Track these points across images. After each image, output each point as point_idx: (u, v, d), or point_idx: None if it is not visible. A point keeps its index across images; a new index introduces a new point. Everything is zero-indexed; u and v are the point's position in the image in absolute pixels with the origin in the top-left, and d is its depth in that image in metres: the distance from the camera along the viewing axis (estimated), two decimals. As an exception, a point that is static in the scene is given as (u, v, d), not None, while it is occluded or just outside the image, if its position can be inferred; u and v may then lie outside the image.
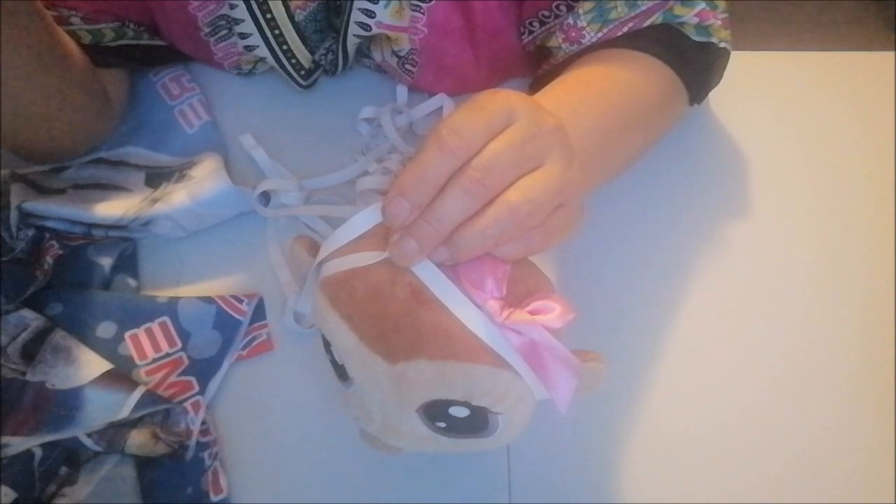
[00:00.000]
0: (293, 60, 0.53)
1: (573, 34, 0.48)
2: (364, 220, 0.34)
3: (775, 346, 0.49)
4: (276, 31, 0.51)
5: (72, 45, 0.47)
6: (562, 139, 0.34)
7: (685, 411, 0.47)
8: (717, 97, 0.55)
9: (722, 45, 0.49)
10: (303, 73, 0.55)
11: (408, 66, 0.54)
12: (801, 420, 0.46)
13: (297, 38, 0.51)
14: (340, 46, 0.53)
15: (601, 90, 0.45)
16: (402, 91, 0.57)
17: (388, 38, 0.52)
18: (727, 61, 0.51)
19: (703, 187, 0.54)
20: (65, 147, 0.51)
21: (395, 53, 0.53)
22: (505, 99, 0.32)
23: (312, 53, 0.53)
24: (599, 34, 0.48)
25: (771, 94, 0.58)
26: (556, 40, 0.49)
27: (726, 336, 0.49)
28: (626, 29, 0.47)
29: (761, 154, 0.55)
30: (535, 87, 0.56)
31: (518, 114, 0.32)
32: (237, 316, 0.47)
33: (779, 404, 0.47)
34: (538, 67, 0.54)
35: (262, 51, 0.52)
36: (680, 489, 0.45)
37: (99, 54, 0.50)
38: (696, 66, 0.49)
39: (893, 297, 0.50)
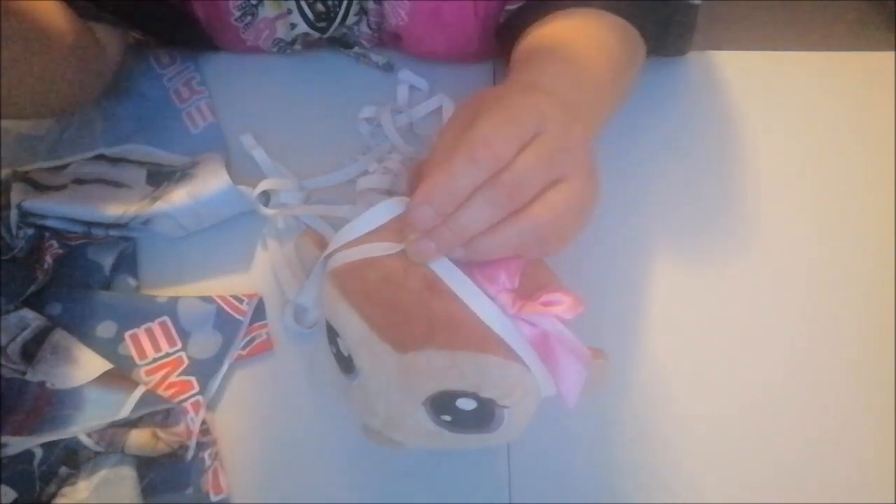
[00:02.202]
0: None
1: None
2: (377, 215, 0.34)
3: (776, 345, 0.49)
4: None
5: (61, 19, 0.45)
6: (588, 151, 0.34)
7: (685, 412, 0.46)
8: (718, 97, 0.55)
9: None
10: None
11: (400, 12, 0.53)
12: (802, 420, 0.46)
13: None
14: None
15: (589, 61, 0.45)
16: (402, 91, 0.57)
17: None
18: (695, 16, 0.51)
19: (703, 187, 0.54)
20: (57, 110, 0.51)
21: None
22: (536, 106, 0.33)
23: None
24: None
25: (771, 94, 0.58)
26: None
27: (727, 335, 0.49)
28: None
29: (761, 154, 0.55)
30: (504, 32, 0.54)
31: (548, 122, 0.32)
32: (237, 316, 0.47)
33: (780, 404, 0.47)
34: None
35: None
36: (680, 489, 0.44)
37: (96, 9, 0.49)
38: (656, 19, 0.50)
39: (893, 296, 0.50)
